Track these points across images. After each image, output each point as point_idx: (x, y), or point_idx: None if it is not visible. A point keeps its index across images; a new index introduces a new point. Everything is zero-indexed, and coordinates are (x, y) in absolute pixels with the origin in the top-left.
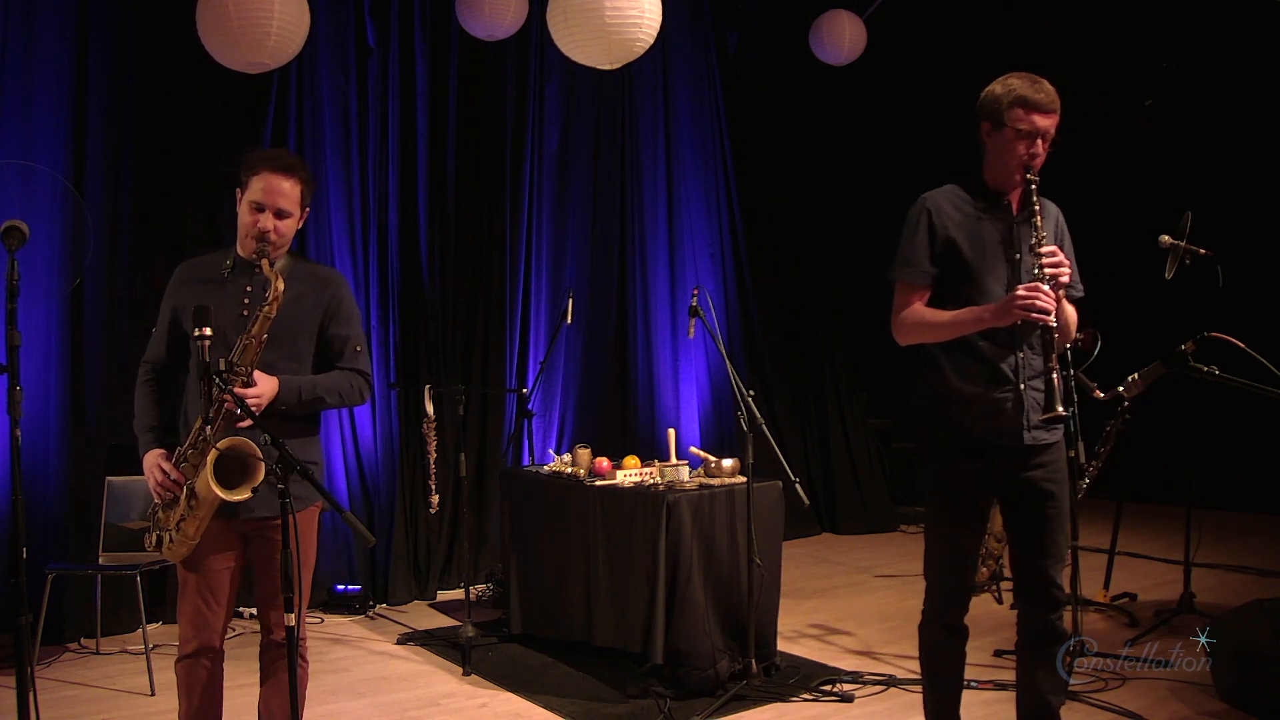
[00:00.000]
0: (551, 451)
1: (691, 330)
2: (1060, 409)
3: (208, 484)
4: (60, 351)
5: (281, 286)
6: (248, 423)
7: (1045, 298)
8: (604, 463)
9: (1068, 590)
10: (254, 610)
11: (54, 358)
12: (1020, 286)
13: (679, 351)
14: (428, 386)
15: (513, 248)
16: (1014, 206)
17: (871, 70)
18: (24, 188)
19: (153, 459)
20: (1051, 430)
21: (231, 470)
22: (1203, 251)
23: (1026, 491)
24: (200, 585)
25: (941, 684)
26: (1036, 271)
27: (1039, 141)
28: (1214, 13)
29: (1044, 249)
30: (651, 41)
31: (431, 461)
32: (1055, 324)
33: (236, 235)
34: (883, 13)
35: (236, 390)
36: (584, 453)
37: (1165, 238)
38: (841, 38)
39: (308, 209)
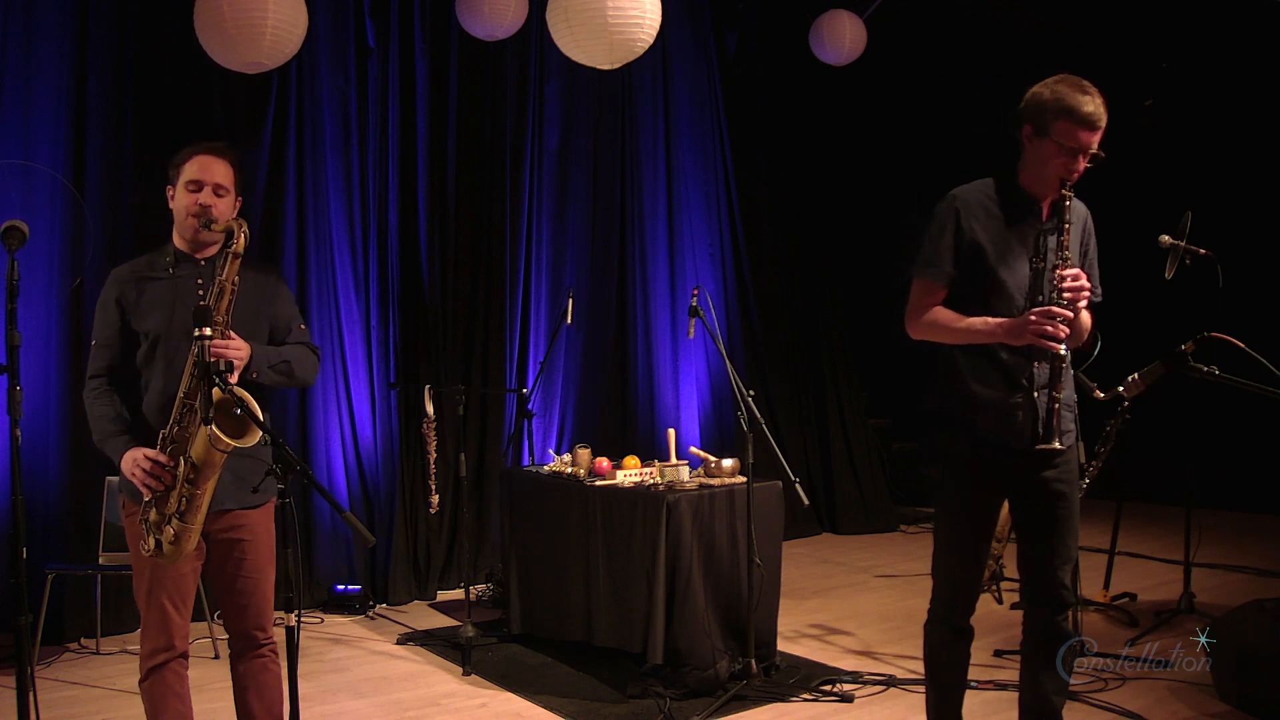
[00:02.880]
0: (551, 451)
1: (691, 330)
2: (1057, 443)
3: (209, 441)
4: (60, 351)
5: (246, 227)
6: (233, 378)
7: (1059, 324)
8: (604, 463)
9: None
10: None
11: (54, 358)
12: (1034, 311)
13: (679, 351)
14: (428, 386)
15: (513, 248)
16: (1044, 212)
17: (871, 70)
18: (24, 188)
19: (132, 455)
20: (1064, 435)
21: (226, 428)
22: (1203, 251)
23: (1038, 493)
24: (170, 590)
25: (945, 684)
26: (1054, 295)
27: (1080, 157)
28: (1214, 13)
29: (1067, 270)
30: (651, 41)
31: (431, 461)
32: (1065, 352)
33: (173, 230)
34: (883, 13)
35: (215, 343)
36: (584, 453)
37: (1165, 238)
38: (841, 38)
39: (240, 199)
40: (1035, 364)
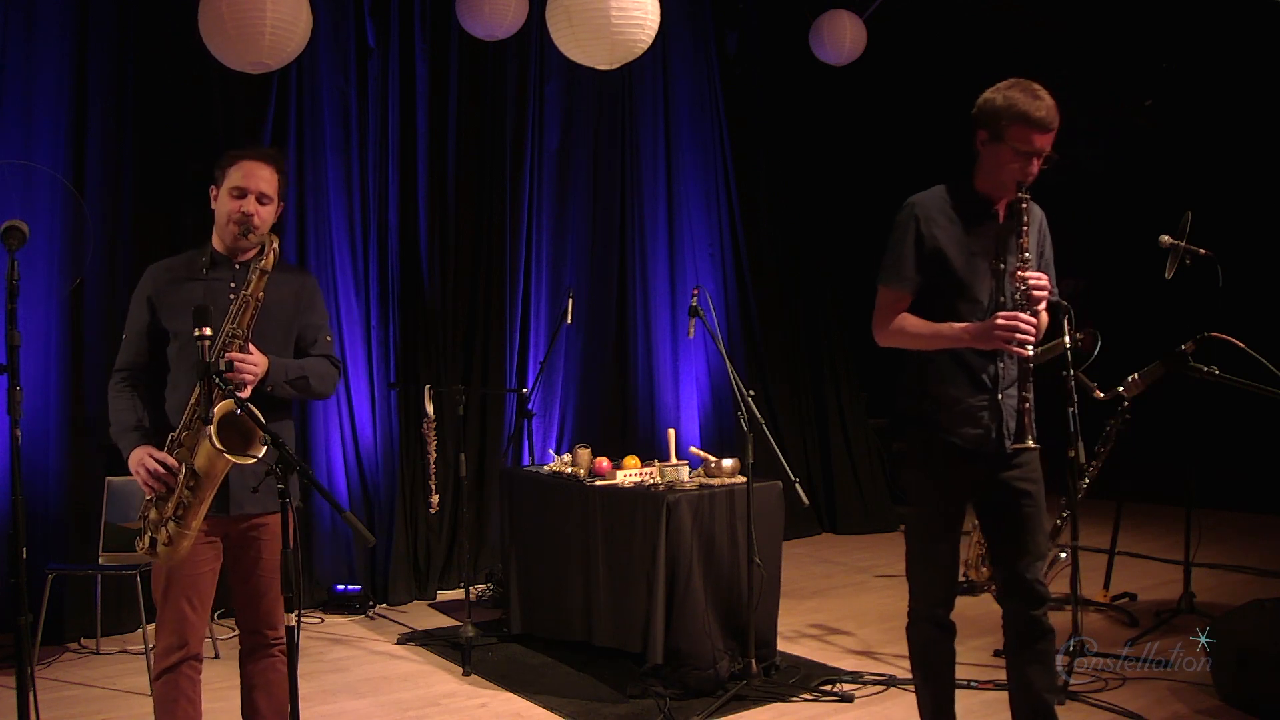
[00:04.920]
0: (551, 451)
1: (691, 330)
2: (1031, 442)
3: (210, 453)
4: (60, 351)
5: (276, 243)
6: (246, 393)
7: (1025, 327)
8: (604, 463)
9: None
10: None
11: (54, 358)
12: (1000, 315)
13: (679, 351)
14: (428, 386)
15: (513, 248)
16: (1001, 214)
17: (871, 70)
18: (24, 188)
19: (140, 453)
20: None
21: (231, 439)
22: (1203, 251)
23: (1002, 491)
24: (186, 588)
25: (938, 681)
26: (1018, 296)
27: (1035, 160)
28: (1214, 13)
29: (1029, 274)
30: (650, 41)
31: (431, 461)
32: (1032, 354)
33: (212, 231)
34: (883, 13)
35: (233, 356)
36: (584, 453)
37: (1165, 238)
38: (841, 38)
39: (283, 204)
40: (1001, 362)
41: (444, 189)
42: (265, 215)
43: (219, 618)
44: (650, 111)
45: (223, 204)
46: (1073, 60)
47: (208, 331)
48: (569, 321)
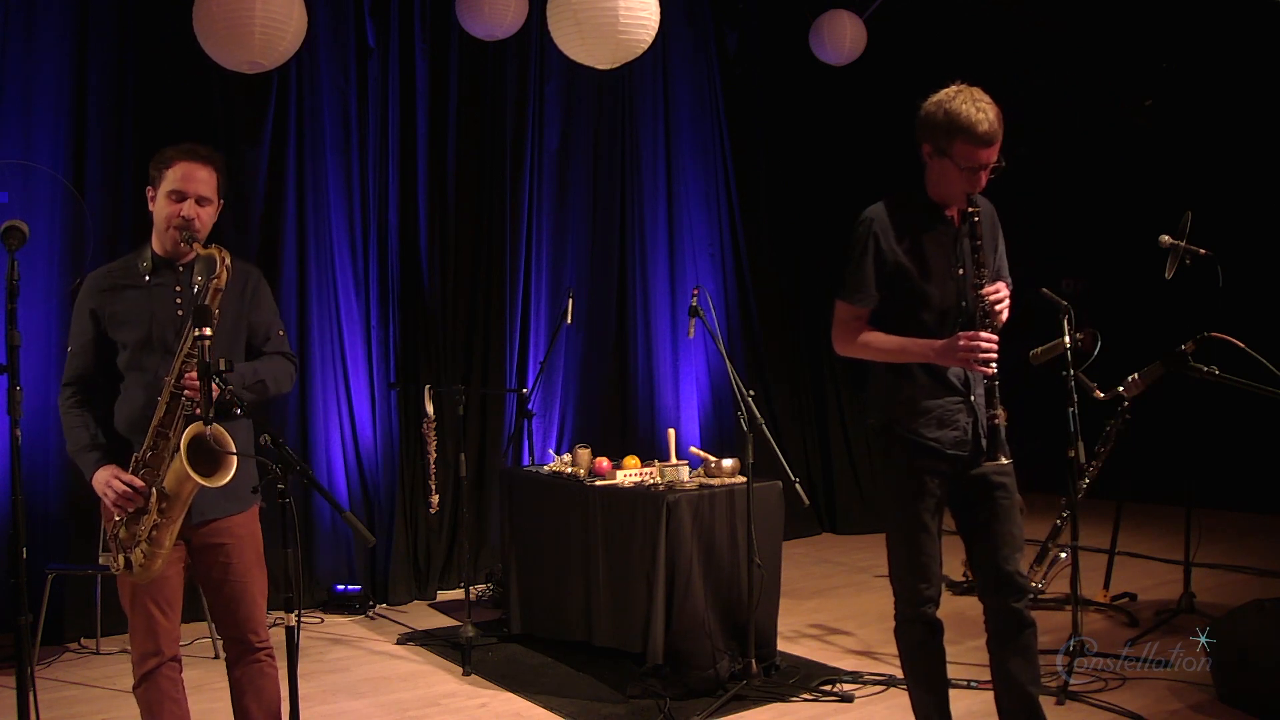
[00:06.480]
0: (551, 451)
1: (691, 330)
2: (1004, 459)
3: (180, 476)
4: (60, 351)
5: (228, 258)
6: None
7: (987, 345)
8: (604, 463)
9: (1048, 586)
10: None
11: (54, 358)
12: (961, 335)
13: (679, 351)
14: (428, 386)
15: (513, 248)
16: (956, 219)
17: (871, 70)
18: (24, 188)
19: (104, 475)
20: (1004, 446)
21: (200, 460)
22: (1203, 251)
23: (976, 487)
24: (153, 593)
25: (931, 681)
26: (985, 318)
27: (982, 172)
28: (1214, 13)
29: (986, 291)
30: (651, 41)
31: (431, 461)
32: (996, 371)
33: (152, 233)
34: (883, 13)
35: (189, 381)
36: (584, 453)
37: (1165, 238)
38: (841, 38)
39: (222, 203)
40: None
41: (444, 189)
42: (205, 218)
43: None
44: (650, 111)
45: (161, 207)
46: (1073, 60)
47: (208, 332)
48: (569, 321)
